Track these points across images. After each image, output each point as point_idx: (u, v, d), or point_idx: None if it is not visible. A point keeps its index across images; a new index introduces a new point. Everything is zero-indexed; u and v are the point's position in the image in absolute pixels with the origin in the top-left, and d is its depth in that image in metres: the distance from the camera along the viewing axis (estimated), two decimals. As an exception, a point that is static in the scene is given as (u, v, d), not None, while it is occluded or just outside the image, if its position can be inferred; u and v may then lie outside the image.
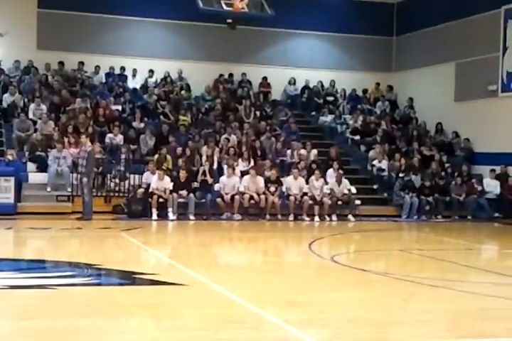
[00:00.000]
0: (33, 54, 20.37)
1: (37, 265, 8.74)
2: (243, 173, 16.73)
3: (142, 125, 18.99)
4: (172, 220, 15.13)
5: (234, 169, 16.54)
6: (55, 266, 8.73)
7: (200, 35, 21.65)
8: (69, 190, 15.95)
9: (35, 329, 5.46)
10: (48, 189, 16.01)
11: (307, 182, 16.65)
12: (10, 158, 15.83)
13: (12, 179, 14.97)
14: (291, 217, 16.06)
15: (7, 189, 14.92)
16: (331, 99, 22.57)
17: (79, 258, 9.18)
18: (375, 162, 18.88)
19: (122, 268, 8.47)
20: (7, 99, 18.76)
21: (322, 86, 22.90)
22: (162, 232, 14.48)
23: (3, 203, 14.70)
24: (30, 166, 16.68)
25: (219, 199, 15.86)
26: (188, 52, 21.74)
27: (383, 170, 18.62)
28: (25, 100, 18.86)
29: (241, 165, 17.34)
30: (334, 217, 16.35)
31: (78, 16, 20.74)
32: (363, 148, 20.07)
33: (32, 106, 18.44)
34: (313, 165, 17.68)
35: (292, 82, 22.72)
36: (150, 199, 15.28)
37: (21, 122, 17.76)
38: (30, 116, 18.18)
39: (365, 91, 23.20)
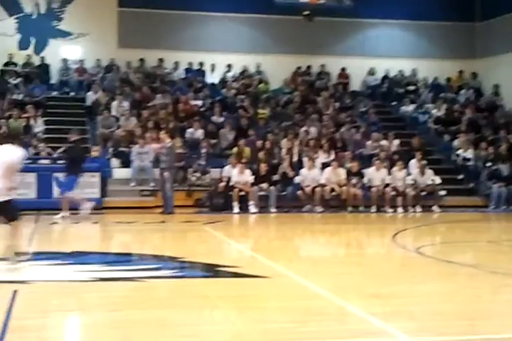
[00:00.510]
0: (114, 52, 20.85)
1: (123, 258, 8.94)
2: (323, 165, 16.64)
3: (221, 119, 19.16)
4: (253, 213, 15.21)
5: (314, 161, 16.48)
6: (140, 259, 8.91)
7: (277, 28, 21.62)
8: (152, 184, 16.27)
9: (122, 321, 5.58)
10: (132, 184, 16.39)
11: (389, 174, 16.41)
12: (95, 154, 16.28)
13: (97, 175, 15.41)
14: (373, 209, 15.87)
15: (93, 184, 15.37)
16: (412, 88, 22.16)
17: (163, 251, 9.34)
18: (459, 151, 18.42)
19: (206, 260, 8.55)
20: (91, 97, 19.31)
21: (403, 75, 22.52)
22: (244, 225, 14.58)
23: (91, 198, 15.12)
24: (114, 162, 17.11)
25: (300, 192, 15.83)
26: (266, 45, 21.75)
27: (469, 159, 18.14)
28: (108, 97, 19.32)
29: (321, 157, 17.23)
30: (418, 209, 16.05)
31: (158, 14, 21.07)
32: (446, 137, 19.59)
33: (114, 103, 18.89)
34: (395, 156, 17.41)
35: (372, 72, 22.42)
36: (231, 193, 15.41)
37: (105, 119, 18.25)
38: (113, 113, 18.64)
39: (448, 79, 22.63)
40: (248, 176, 15.65)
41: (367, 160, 17.30)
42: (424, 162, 16.85)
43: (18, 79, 19.46)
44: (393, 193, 16.05)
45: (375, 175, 16.25)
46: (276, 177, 16.19)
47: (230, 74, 21.40)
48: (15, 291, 6.49)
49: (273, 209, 15.52)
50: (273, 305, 6.29)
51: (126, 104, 18.89)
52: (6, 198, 7.64)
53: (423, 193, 16.29)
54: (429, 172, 16.63)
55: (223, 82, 21.12)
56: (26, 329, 5.32)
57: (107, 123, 18.20)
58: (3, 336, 5.00)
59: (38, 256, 8.98)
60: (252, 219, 15.01)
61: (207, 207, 15.75)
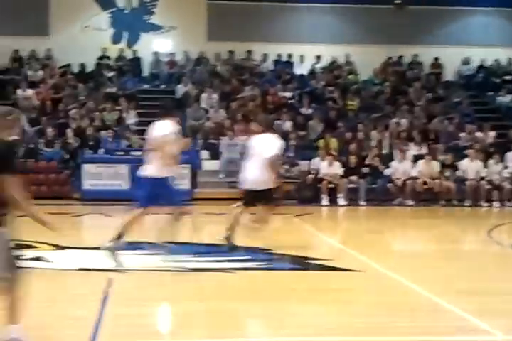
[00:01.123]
0: (203, 45, 21.09)
1: (213, 249, 9.07)
2: (415, 158, 16.35)
3: (310, 111, 19.10)
4: (342, 206, 15.12)
5: (405, 154, 16.22)
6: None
7: (367, 18, 21.30)
8: (241, 176, 16.40)
9: (212, 311, 5.68)
10: (221, 175, 16.61)
11: (485, 166, 15.95)
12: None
13: (187, 167, 15.68)
14: (467, 203, 15.46)
15: (183, 176, 15.66)
16: (509, 77, 21.38)
17: (252, 243, 9.41)
18: (559, 143, 17.68)
19: (295, 253, 8.58)
20: (180, 89, 19.64)
21: (499, 64, 21.77)
22: (333, 218, 14.53)
23: (180, 190, 15.41)
24: (204, 154, 17.38)
25: (390, 185, 15.61)
26: (355, 35, 21.46)
27: None
28: (198, 90, 19.60)
29: (412, 150, 16.92)
30: (516, 203, 15.56)
31: (246, 6, 21.15)
32: (546, 129, 18.84)
33: (204, 95, 19.15)
34: (491, 149, 16.90)
35: (466, 61, 21.78)
36: (320, 185, 15.38)
37: (194, 111, 18.54)
38: (203, 105, 18.91)
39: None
40: (337, 168, 15.58)
41: (461, 153, 16.84)
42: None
43: (112, 73, 20.01)
44: (488, 187, 15.60)
45: (470, 167, 15.83)
46: (365, 170, 16.03)
47: (318, 66, 21.27)
48: (110, 280, 6.72)
49: (362, 202, 15.38)
50: (364, 299, 6.26)
51: (215, 97, 19.13)
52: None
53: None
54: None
55: (312, 73, 21.02)
56: (121, 317, 5.49)
57: (196, 115, 18.49)
58: (100, 323, 5.18)
59: (132, 245, 9.25)
60: (341, 211, 14.92)
61: (295, 199, 15.76)
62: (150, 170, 7.72)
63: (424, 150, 16.89)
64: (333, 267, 7.67)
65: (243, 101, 19.05)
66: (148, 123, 18.01)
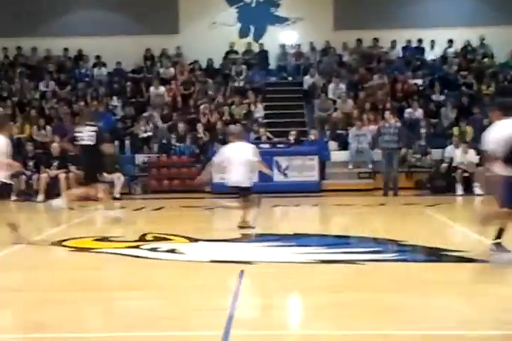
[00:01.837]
0: (330, 35, 20.98)
1: (343, 240, 9.02)
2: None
3: (442, 97, 18.57)
4: (479, 195, 14.57)
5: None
6: (361, 242, 8.93)
7: (502, -3, 20.39)
8: (370, 166, 16.23)
9: (343, 303, 5.63)
10: (350, 166, 16.48)
11: None
12: (313, 137, 16.59)
13: (315, 158, 15.68)
14: None
15: (311, 167, 15.68)
16: None
17: (383, 234, 9.28)
18: None
19: (428, 244, 8.37)
20: (307, 81, 19.66)
21: None
22: (468, 208, 14.02)
23: (309, 181, 15.47)
24: (332, 145, 17.30)
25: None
26: (489, 16, 20.55)
27: None
28: (325, 80, 19.53)
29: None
30: None
31: (373, -7, 20.83)
32: None
33: (331, 86, 19.06)
34: None
35: None
36: (454, 174, 14.91)
37: (322, 102, 18.50)
38: (330, 95, 18.83)
39: None
40: (473, 156, 15.02)
41: None
42: None
43: (239, 67, 20.33)
44: None
45: None
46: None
47: (451, 50, 20.60)
48: (241, 271, 6.83)
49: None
50: (504, 291, 6.00)
51: (342, 86, 19.00)
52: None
53: None
54: None
55: (444, 58, 20.39)
56: (253, 308, 5.57)
57: (324, 106, 18.44)
58: (233, 314, 5.27)
59: (262, 237, 9.37)
60: (477, 201, 14.38)
61: (428, 189, 15.38)
62: None
63: None
64: (469, 259, 7.40)
65: (371, 90, 18.79)
66: (276, 115, 18.39)
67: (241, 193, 9.61)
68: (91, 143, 10.49)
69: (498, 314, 5.20)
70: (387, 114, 15.47)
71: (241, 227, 9.61)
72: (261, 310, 5.55)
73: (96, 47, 20.75)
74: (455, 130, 16.58)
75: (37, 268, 7.38)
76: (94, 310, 5.60)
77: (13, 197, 15.51)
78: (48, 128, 17.57)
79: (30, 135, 17.50)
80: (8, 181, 8.49)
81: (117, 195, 15.07)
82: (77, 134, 10.67)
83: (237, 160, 9.48)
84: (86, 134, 10.56)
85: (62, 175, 14.99)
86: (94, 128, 10.68)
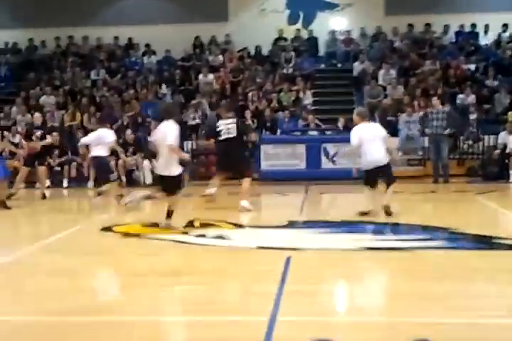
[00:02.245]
0: (381, 20, 20.75)
1: (392, 228, 8.92)
2: None
3: (496, 83, 18.20)
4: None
5: None
6: (410, 229, 8.82)
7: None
8: (420, 153, 16.01)
9: (393, 291, 5.59)
10: (400, 153, 16.26)
11: None
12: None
13: (365, 145, 15.51)
14: None
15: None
16: None
17: (433, 222, 9.15)
18: None
19: (479, 232, 8.23)
20: (357, 67, 19.48)
21: None
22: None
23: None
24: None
25: None
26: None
27: None
28: (375, 67, 19.33)
29: None
30: None
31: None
32: None
33: (381, 72, 18.86)
34: None
35: None
36: (507, 161, 14.61)
37: (372, 88, 18.31)
38: (380, 82, 18.63)
39: None
40: (526, 143, 14.70)
41: None
42: None
43: (288, 54, 20.25)
44: None
45: None
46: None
47: (505, 35, 20.14)
48: (288, 258, 6.83)
49: None
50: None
51: (393, 73, 18.78)
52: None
53: None
54: None
55: (498, 43, 19.95)
56: (300, 294, 5.57)
57: (373, 92, 18.25)
58: (279, 300, 5.28)
59: (309, 224, 9.35)
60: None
61: (480, 176, 15.11)
62: None
63: None
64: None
65: (423, 76, 18.52)
66: (325, 102, 18.28)
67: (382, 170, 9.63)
68: (234, 135, 10.45)
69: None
70: (434, 99, 15.24)
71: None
72: (307, 296, 5.55)
73: (146, 36, 20.94)
74: (509, 115, 16.22)
75: (89, 254, 7.51)
76: (146, 295, 5.67)
77: (66, 184, 15.89)
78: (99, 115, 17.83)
79: (81, 123, 17.79)
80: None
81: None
82: (220, 128, 10.58)
83: (372, 139, 9.51)
84: (227, 127, 10.51)
85: (112, 162, 15.19)
86: (234, 120, 10.63)
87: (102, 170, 11.78)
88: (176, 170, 8.36)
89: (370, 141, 9.40)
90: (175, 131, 8.31)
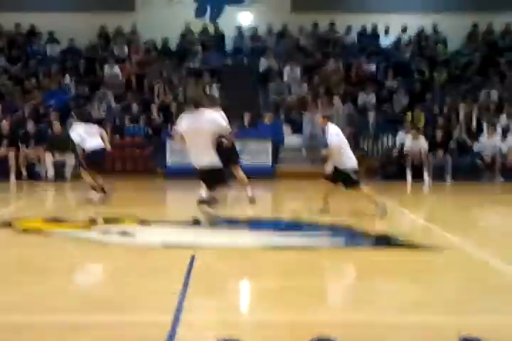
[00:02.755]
0: (287, 17, 20.95)
1: (296, 225, 9.07)
2: (504, 131, 15.82)
3: (395, 83, 18.76)
4: (428, 182, 14.82)
5: (495, 127, 15.72)
6: (312, 226, 8.97)
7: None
8: (323, 152, 16.30)
9: (291, 288, 5.70)
10: (303, 151, 16.55)
11: None
12: (267, 121, 16.60)
13: (269, 142, 15.70)
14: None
15: (265, 151, 15.71)
16: None
17: (335, 219, 9.37)
18: None
19: (378, 229, 8.49)
20: (263, 64, 19.62)
21: None
22: (417, 194, 14.25)
23: (262, 165, 15.53)
24: (286, 129, 17.34)
25: (479, 161, 15.20)
26: (444, 3, 20.78)
27: None
28: (280, 64, 19.53)
29: (503, 122, 16.38)
30: None
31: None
32: None
33: (286, 69, 19.08)
34: None
35: None
36: (404, 161, 15.11)
37: (277, 86, 18.50)
38: (285, 79, 18.85)
39: None
40: (423, 143, 15.25)
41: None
42: None
43: (195, 48, 20.17)
44: None
45: None
46: (453, 145, 15.64)
47: (405, 37, 20.80)
48: (193, 256, 6.83)
49: (449, 179, 15.05)
50: (450, 276, 6.14)
51: (297, 70, 19.03)
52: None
53: None
54: None
55: (398, 44, 20.58)
56: (203, 291, 5.59)
57: (278, 89, 18.45)
58: (184, 297, 5.28)
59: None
60: (426, 188, 14.63)
61: (379, 175, 15.57)
62: None
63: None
64: (416, 244, 7.55)
65: (326, 75, 18.87)
66: (231, 98, 18.32)
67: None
68: None
69: (444, 297, 5.33)
70: (335, 99, 15.63)
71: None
72: (211, 293, 5.57)
73: (49, 24, 20.32)
74: (409, 115, 16.76)
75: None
76: (40, 293, 5.54)
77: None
78: (-2, 106, 17.25)
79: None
80: None
81: (68, 176, 14.90)
82: None
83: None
84: None
85: (11, 154, 14.74)
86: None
87: None
88: (218, 160, 8.16)
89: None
90: (225, 118, 8.38)
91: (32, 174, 14.99)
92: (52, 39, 20.39)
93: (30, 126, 15.45)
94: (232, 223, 8.73)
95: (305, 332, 4.50)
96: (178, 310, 4.98)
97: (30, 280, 5.93)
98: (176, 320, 4.72)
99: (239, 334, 4.50)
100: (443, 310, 5.11)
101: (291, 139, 17.04)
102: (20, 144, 15.02)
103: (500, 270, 6.42)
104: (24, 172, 14.76)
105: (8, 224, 8.71)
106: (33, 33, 20.64)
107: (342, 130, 10.23)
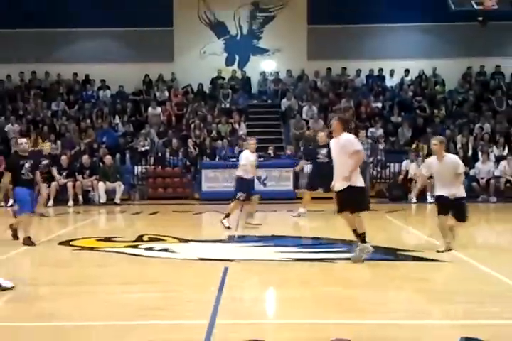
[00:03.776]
0: (304, 64, 21.05)
1: (315, 241, 9.01)
2: (497, 159, 15.66)
3: (400, 119, 18.72)
4: (430, 203, 14.62)
5: (488, 155, 15.56)
6: (331, 243, 8.90)
7: (453, 34, 20.54)
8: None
9: (314, 296, 5.63)
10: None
11: None
12: (289, 152, 16.60)
13: (291, 170, 15.68)
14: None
15: (287, 178, 15.71)
16: None
17: (350, 237, 9.29)
18: None
19: (387, 245, 8.40)
20: (285, 103, 19.71)
21: None
22: (421, 214, 14.08)
23: (285, 190, 15.51)
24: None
25: (474, 184, 15.02)
26: (442, 50, 20.71)
27: None
28: (299, 103, 19.61)
29: (495, 152, 16.23)
30: None
31: (341, 28, 20.84)
32: None
33: (305, 108, 19.13)
34: None
35: (547, 70, 20.65)
36: (409, 185, 14.99)
37: (296, 122, 18.55)
38: (304, 116, 18.89)
39: None
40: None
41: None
42: None
43: (226, 91, 20.35)
44: None
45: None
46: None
47: (407, 78, 20.78)
48: (226, 268, 6.80)
49: (449, 199, 14.85)
50: (454, 287, 6.04)
51: (314, 109, 19.07)
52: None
53: None
54: None
55: (401, 85, 20.56)
56: (236, 299, 5.56)
57: (298, 125, 18.49)
58: (217, 305, 5.25)
59: (244, 238, 9.34)
60: (429, 208, 14.44)
61: (387, 197, 15.45)
62: None
63: (506, 151, 16.17)
64: (424, 258, 7.45)
65: (339, 112, 18.86)
66: (257, 133, 18.38)
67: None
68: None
69: (447, 306, 5.24)
70: (361, 132, 15.71)
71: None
72: (243, 301, 5.54)
73: (101, 73, 20.67)
74: (413, 146, 16.65)
75: (47, 265, 7.31)
76: (96, 302, 5.55)
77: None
78: (59, 142, 17.48)
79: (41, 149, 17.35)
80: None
81: (118, 201, 15.00)
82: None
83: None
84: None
85: (70, 184, 14.90)
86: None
87: None
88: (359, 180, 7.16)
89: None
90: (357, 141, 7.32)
91: (87, 200, 15.09)
92: (103, 86, 20.71)
93: (86, 160, 15.62)
94: (259, 240, 8.70)
95: (324, 334, 4.44)
96: (213, 315, 4.96)
97: (86, 290, 5.94)
98: (212, 323, 4.70)
99: (265, 336, 4.47)
100: (445, 314, 5.02)
101: (308, 167, 16.95)
102: (77, 175, 15.17)
103: (499, 280, 6.29)
104: (80, 199, 14.87)
105: (67, 243, 8.77)
106: (87, 80, 20.99)
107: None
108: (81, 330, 4.72)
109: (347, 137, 7.21)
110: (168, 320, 4.90)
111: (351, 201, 7.11)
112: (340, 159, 7.14)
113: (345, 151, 7.07)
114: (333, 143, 7.36)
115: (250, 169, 10.27)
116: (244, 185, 10.26)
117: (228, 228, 10.02)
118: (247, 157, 10.32)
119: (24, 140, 9.16)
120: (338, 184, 7.13)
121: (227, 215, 10.20)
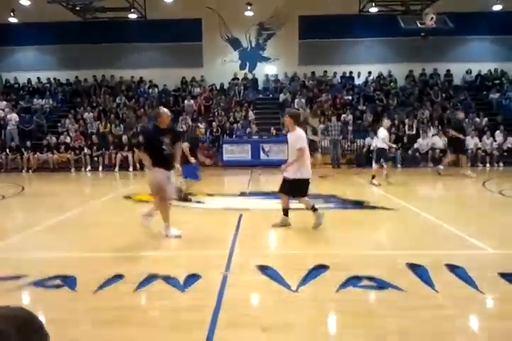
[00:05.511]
0: (296, 68, 20.74)
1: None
2: (433, 135, 15.53)
3: (364, 107, 18.49)
4: (386, 168, 14.53)
5: (427, 133, 15.42)
6: (317, 198, 8.89)
7: (401, 45, 20.08)
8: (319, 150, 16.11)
9: (307, 233, 5.66)
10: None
11: (480, 140, 14.91)
12: (284, 132, 16.42)
13: (286, 145, 15.55)
14: (469, 165, 14.48)
15: (284, 151, 15.56)
16: (497, 82, 19.72)
17: (328, 191, 9.30)
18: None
19: (354, 198, 8.41)
20: (282, 97, 19.46)
21: (491, 73, 20.08)
22: (380, 176, 13.99)
23: (282, 159, 15.43)
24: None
25: (417, 154, 14.91)
26: (394, 57, 20.34)
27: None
28: (292, 97, 19.37)
29: (432, 130, 16.08)
30: (501, 164, 14.45)
31: (323, 42, 20.33)
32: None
33: (296, 100, 18.91)
34: (485, 128, 15.74)
35: (469, 71, 20.23)
36: (370, 155, 14.83)
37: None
38: (295, 106, 18.65)
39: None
40: (380, 143, 14.92)
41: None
42: (505, 132, 15.03)
43: (240, 88, 20.12)
44: (483, 154, 14.58)
45: (470, 141, 14.84)
46: (400, 144, 15.37)
47: (370, 78, 20.44)
48: (240, 215, 6.86)
49: (399, 165, 14.81)
50: (401, 228, 6.07)
51: (303, 100, 18.84)
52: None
53: (505, 154, 14.59)
54: (510, 139, 14.83)
55: (366, 83, 20.25)
56: (249, 236, 5.62)
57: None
58: (236, 240, 5.31)
59: (254, 194, 9.39)
60: (385, 171, 14.35)
61: (355, 164, 15.36)
62: None
63: (439, 130, 16.03)
64: (380, 207, 7.48)
65: (321, 103, 18.69)
66: (262, 118, 18.13)
67: None
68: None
69: (395, 237, 5.25)
70: (333, 118, 15.48)
71: None
72: (253, 238, 5.61)
73: (151, 75, 20.46)
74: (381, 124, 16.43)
75: (115, 214, 7.38)
76: (150, 235, 5.60)
77: (100, 168, 15.50)
78: (121, 125, 17.45)
79: (110, 130, 17.36)
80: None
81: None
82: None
83: None
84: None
85: (129, 155, 14.92)
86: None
87: None
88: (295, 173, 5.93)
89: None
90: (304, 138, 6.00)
91: (143, 167, 15.09)
92: (152, 85, 20.50)
93: (140, 138, 15.54)
94: (265, 195, 8.71)
95: (310, 260, 4.51)
96: (232, 246, 5.03)
97: (137, 230, 6.01)
98: (231, 253, 4.76)
99: (271, 262, 4.54)
100: (396, 247, 5.07)
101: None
102: (134, 148, 15.16)
103: (432, 221, 6.33)
104: (138, 166, 14.90)
105: (128, 197, 8.84)
106: (141, 81, 20.77)
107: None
108: (150, 258, 4.75)
109: (298, 133, 6.00)
110: (199, 250, 4.96)
111: (288, 188, 6.05)
112: (292, 151, 6.03)
113: (294, 145, 5.97)
114: (289, 135, 6.11)
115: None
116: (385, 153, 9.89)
117: (379, 185, 10.07)
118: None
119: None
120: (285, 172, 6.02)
121: (373, 177, 10.27)
